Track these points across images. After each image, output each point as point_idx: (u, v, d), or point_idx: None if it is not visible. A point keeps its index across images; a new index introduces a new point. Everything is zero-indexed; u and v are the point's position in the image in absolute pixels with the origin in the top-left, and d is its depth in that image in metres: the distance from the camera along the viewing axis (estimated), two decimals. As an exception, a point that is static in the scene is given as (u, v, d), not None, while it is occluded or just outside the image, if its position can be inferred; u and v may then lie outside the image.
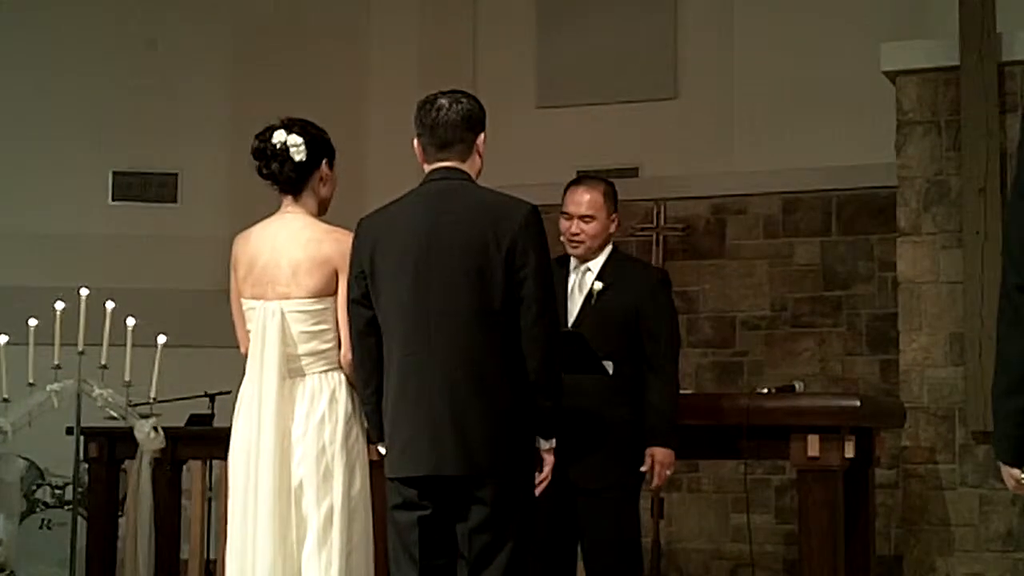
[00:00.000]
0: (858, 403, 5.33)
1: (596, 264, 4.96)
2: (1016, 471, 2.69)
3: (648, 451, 4.82)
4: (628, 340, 4.83)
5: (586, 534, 4.86)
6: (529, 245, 3.95)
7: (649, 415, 4.81)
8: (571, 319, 4.87)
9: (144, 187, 9.88)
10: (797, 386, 5.99)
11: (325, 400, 4.24)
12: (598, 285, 4.89)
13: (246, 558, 4.18)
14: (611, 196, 5.00)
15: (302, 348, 4.26)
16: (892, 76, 7.34)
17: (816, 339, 8.87)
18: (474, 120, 4.12)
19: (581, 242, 4.93)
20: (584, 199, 4.94)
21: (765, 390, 5.83)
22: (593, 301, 4.88)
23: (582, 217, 4.92)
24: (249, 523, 4.18)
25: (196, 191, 9.87)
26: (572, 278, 4.95)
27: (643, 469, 4.82)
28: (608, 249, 5.00)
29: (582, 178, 5.10)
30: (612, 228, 5.00)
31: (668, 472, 4.86)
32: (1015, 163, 2.65)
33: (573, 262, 4.97)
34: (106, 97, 9.71)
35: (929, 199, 7.18)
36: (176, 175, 9.92)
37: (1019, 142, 2.67)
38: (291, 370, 4.25)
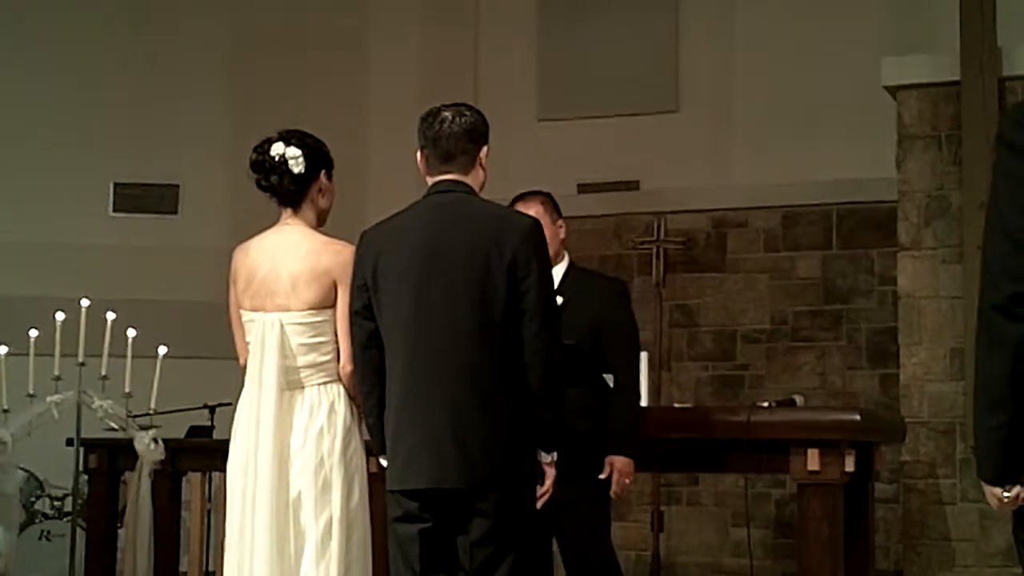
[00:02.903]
0: (858, 417, 5.32)
1: (555, 278, 4.96)
2: (998, 490, 2.70)
3: (608, 459, 4.81)
4: (591, 353, 4.82)
5: (563, 545, 4.88)
6: (531, 258, 3.96)
7: (609, 423, 4.81)
8: None
9: (145, 198, 9.88)
10: (797, 400, 5.99)
11: (324, 412, 4.24)
12: (558, 299, 4.90)
13: (243, 570, 4.17)
14: (550, 204, 5.03)
15: (301, 360, 4.26)
16: (893, 90, 7.36)
17: (816, 353, 8.87)
18: (477, 133, 4.13)
19: None
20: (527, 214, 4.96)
21: (765, 404, 5.82)
22: None
23: None
24: (247, 535, 4.18)
25: (197, 202, 9.87)
26: None
27: (601, 477, 4.80)
28: (565, 262, 5.03)
29: (518, 196, 5.09)
30: (561, 234, 5.02)
31: (627, 481, 4.84)
32: (991, 182, 2.66)
33: None
34: (107, 108, 9.72)
35: (930, 214, 7.19)
36: (177, 186, 9.93)
37: (994, 161, 2.69)
38: (290, 382, 4.25)
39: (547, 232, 4.90)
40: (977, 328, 2.68)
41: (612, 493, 4.82)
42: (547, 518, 4.68)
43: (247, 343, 4.34)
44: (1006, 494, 2.69)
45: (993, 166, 2.68)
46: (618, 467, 4.81)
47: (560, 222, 5.03)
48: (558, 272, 4.97)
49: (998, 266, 2.63)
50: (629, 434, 4.83)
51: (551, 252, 4.91)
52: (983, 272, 2.67)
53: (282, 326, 4.24)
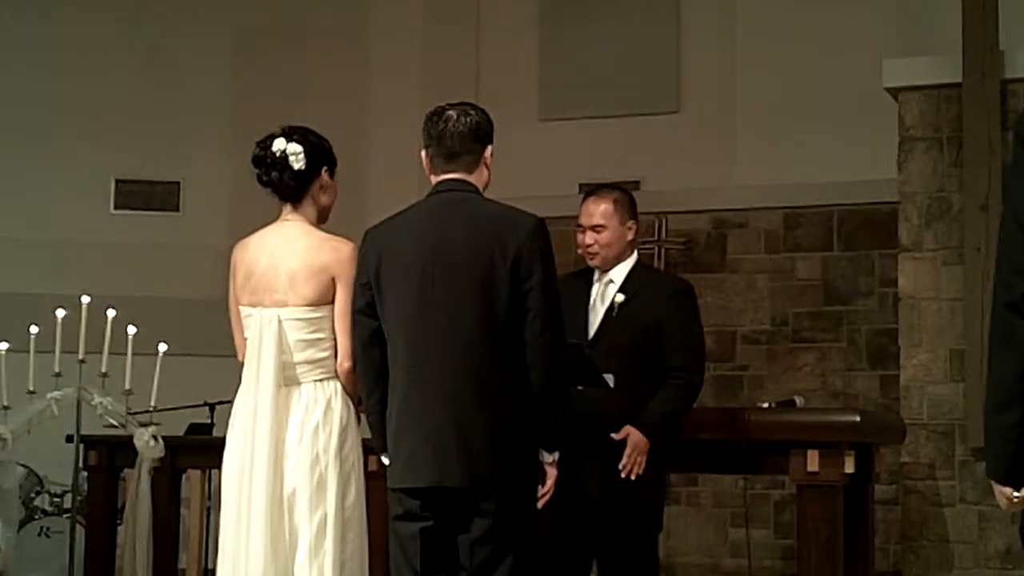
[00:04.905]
0: (858, 419, 5.33)
1: (619, 275, 4.92)
2: (1008, 489, 2.69)
3: (626, 427, 4.69)
4: (648, 352, 4.78)
5: (602, 547, 4.81)
6: (534, 257, 3.95)
7: (648, 405, 4.73)
8: (592, 331, 4.82)
9: (146, 196, 9.87)
10: (797, 401, 6.00)
11: (320, 409, 4.22)
12: (620, 297, 4.86)
13: (238, 567, 4.17)
14: (624, 204, 4.97)
15: (298, 356, 4.24)
16: (894, 92, 7.35)
17: (817, 354, 8.88)
18: (482, 132, 4.13)
19: (595, 253, 4.90)
20: (596, 210, 4.93)
21: (765, 405, 5.84)
22: (614, 313, 4.86)
23: (593, 228, 4.91)
24: (242, 532, 4.17)
25: (198, 200, 9.86)
26: (595, 289, 4.92)
27: (615, 437, 4.68)
28: (632, 260, 4.97)
29: (595, 189, 5.08)
30: (629, 236, 4.96)
31: (639, 458, 4.67)
32: (1004, 180, 2.66)
33: (596, 273, 4.96)
34: (108, 105, 9.71)
35: (930, 215, 7.19)
36: (178, 184, 9.92)
37: (1012, 158, 2.68)
38: (287, 378, 4.24)
39: (612, 232, 4.88)
40: (991, 326, 2.67)
41: (620, 465, 4.67)
42: (583, 522, 4.67)
43: (245, 339, 4.33)
44: (1016, 494, 2.68)
45: (1008, 165, 2.67)
46: (632, 440, 4.68)
47: (630, 223, 4.97)
48: (623, 270, 4.94)
49: (1011, 264, 2.62)
50: (658, 418, 4.73)
51: (616, 252, 4.90)
52: (996, 271, 2.66)
53: (280, 321, 4.23)
